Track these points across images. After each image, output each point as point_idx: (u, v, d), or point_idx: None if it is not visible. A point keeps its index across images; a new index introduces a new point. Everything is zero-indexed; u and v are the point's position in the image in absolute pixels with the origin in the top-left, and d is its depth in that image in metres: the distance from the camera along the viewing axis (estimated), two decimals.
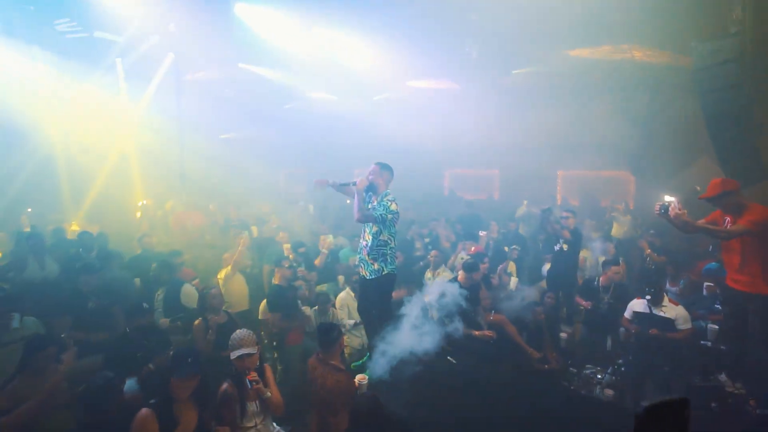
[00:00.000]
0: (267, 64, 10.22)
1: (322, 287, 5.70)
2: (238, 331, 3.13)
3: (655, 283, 4.59)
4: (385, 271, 3.83)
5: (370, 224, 3.80)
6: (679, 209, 3.49)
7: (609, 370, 4.48)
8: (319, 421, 3.28)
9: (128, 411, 2.53)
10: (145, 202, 9.46)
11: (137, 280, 5.28)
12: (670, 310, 4.42)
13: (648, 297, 4.46)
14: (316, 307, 5.15)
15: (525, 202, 9.36)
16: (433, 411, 3.53)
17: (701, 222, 3.71)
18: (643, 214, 8.49)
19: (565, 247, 5.90)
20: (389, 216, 3.75)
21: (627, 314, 4.72)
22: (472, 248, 6.30)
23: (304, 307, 5.11)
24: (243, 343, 3.01)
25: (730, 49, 5.07)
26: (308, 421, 3.48)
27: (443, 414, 3.47)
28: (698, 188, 8.40)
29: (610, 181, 11.73)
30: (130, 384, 3.10)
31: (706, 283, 5.05)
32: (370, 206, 3.85)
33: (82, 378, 3.19)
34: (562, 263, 5.99)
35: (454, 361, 4.37)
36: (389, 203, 3.77)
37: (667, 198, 3.61)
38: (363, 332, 4.86)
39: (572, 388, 4.38)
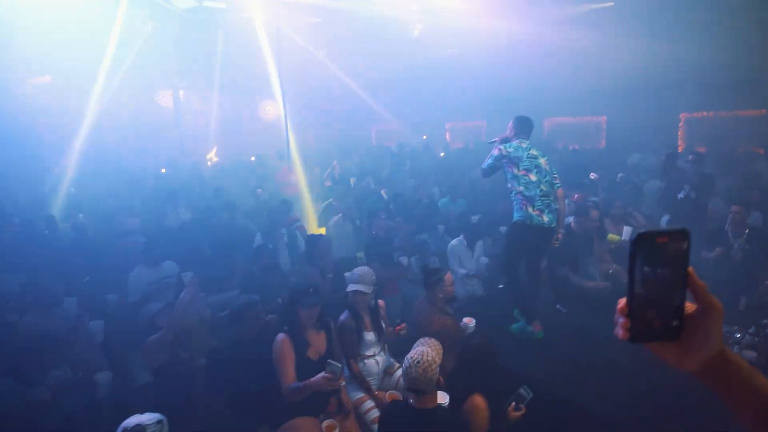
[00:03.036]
0: None
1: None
2: (361, 267, 3.29)
3: None
4: (514, 219, 3.74)
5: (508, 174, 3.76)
6: None
7: (751, 330, 3.96)
8: None
9: (270, 332, 2.90)
10: (253, 158, 10.32)
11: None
12: None
13: None
14: (416, 255, 5.25)
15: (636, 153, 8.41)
16: (539, 360, 3.48)
17: None
18: None
19: (692, 194, 5.20)
20: (495, 162, 3.76)
21: None
22: (575, 196, 5.84)
23: (401, 258, 5.24)
24: (361, 279, 3.17)
25: None
26: None
27: (550, 363, 3.40)
28: None
29: (748, 122, 9.87)
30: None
31: None
32: None
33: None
34: (686, 213, 5.30)
35: (563, 310, 4.22)
36: (501, 145, 3.73)
37: None
38: (474, 284, 4.88)
39: None
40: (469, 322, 3.36)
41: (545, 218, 3.61)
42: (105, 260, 4.80)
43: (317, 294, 2.93)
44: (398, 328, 3.19)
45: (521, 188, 3.63)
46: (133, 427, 2.00)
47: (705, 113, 10.50)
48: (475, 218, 5.40)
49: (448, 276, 3.43)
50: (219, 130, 13.49)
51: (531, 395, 2.67)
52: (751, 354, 3.80)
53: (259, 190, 7.36)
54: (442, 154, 10.55)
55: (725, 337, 3.98)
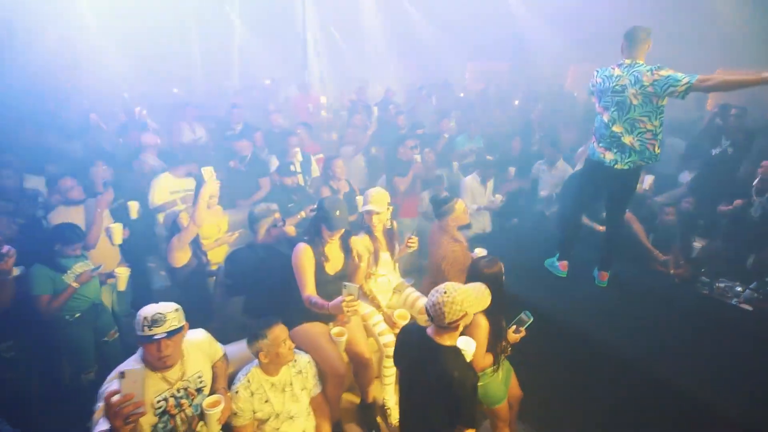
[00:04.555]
0: None
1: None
2: (374, 188, 3.31)
3: None
4: (590, 154, 3.36)
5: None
6: None
7: (752, 285, 4.04)
8: (431, 284, 3.48)
9: (287, 241, 2.99)
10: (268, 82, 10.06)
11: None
12: None
13: None
14: (431, 188, 5.27)
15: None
16: (548, 292, 3.57)
17: None
18: None
19: (730, 150, 5.03)
20: (591, 94, 3.28)
21: None
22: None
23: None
24: (373, 199, 3.20)
25: None
26: (422, 284, 3.68)
27: (558, 301, 3.49)
28: None
29: None
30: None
31: None
32: None
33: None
34: (717, 170, 5.13)
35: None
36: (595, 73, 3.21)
37: None
38: (485, 219, 4.93)
39: (703, 293, 4.08)
40: (480, 252, 3.43)
41: (608, 156, 3.16)
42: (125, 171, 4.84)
43: (342, 219, 2.85)
44: (408, 240, 3.20)
45: (596, 125, 3.24)
46: (153, 314, 2.04)
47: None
48: (490, 158, 5.32)
49: (460, 203, 3.44)
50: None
51: (532, 319, 2.78)
52: (747, 308, 3.91)
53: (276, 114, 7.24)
54: (461, 94, 10.19)
55: (724, 290, 4.07)
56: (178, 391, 2.19)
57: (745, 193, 4.68)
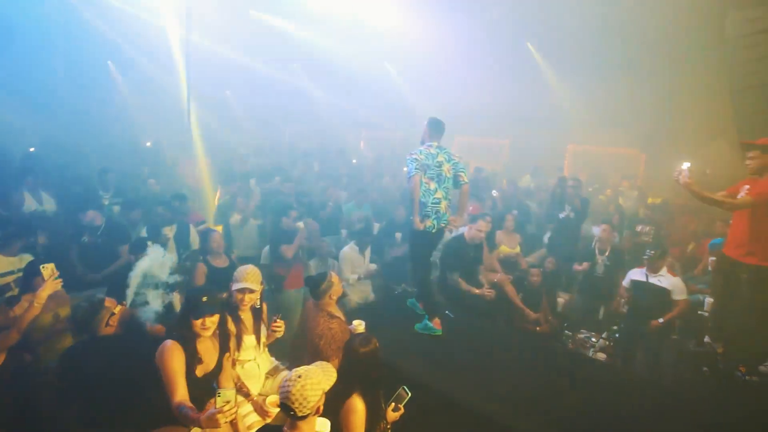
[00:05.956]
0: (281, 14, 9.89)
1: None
2: (246, 265, 3.10)
3: (655, 246, 4.60)
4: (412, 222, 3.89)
5: None
6: (687, 178, 3.47)
7: (603, 335, 4.55)
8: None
9: (153, 342, 2.55)
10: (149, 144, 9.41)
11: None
12: (667, 279, 4.46)
13: (646, 263, 4.49)
14: (316, 258, 5.19)
15: (528, 174, 9.36)
16: (427, 362, 3.60)
17: (709, 194, 3.63)
18: (651, 192, 8.41)
19: (571, 215, 5.87)
20: (415, 169, 3.79)
21: (625, 282, 4.76)
22: (471, 207, 6.24)
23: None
24: (246, 277, 2.99)
25: (766, 18, 4.86)
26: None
27: (436, 365, 3.54)
28: (708, 172, 8.31)
29: (619, 158, 11.53)
30: (147, 315, 3.14)
31: (710, 258, 5.04)
32: None
33: None
34: (564, 231, 5.98)
35: (451, 315, 4.44)
36: (413, 152, 3.83)
37: (685, 165, 3.56)
38: (366, 288, 4.95)
39: (567, 347, 4.46)
40: (358, 325, 3.34)
41: (428, 223, 3.80)
42: None
43: (214, 303, 2.58)
44: (273, 324, 3.04)
45: (420, 194, 3.79)
46: None
47: (587, 146, 12.05)
48: (378, 225, 5.48)
49: (335, 276, 3.38)
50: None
51: (410, 394, 2.73)
52: (602, 356, 4.36)
53: (151, 180, 6.74)
54: (354, 161, 10.62)
55: (582, 341, 4.52)
56: None
57: (588, 252, 5.42)
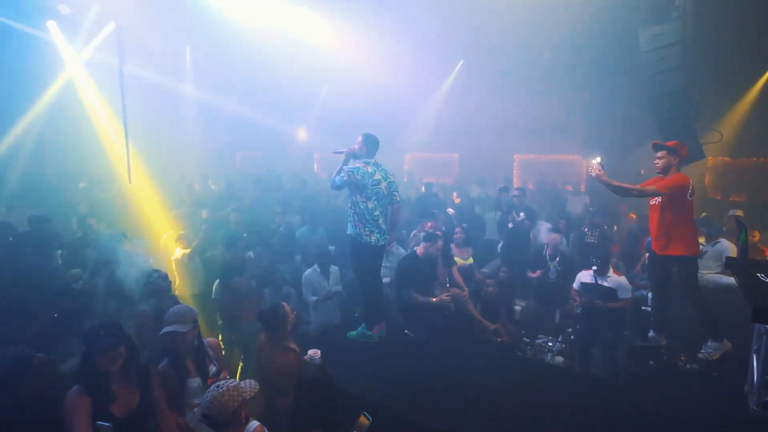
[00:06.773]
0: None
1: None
2: (175, 306, 2.92)
3: (601, 254, 4.82)
4: (348, 231, 4.03)
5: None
6: (598, 170, 3.72)
7: (560, 338, 4.67)
8: (267, 402, 3.14)
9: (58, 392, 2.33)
10: (84, 184, 8.82)
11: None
12: (613, 280, 4.67)
13: (594, 267, 4.69)
14: (270, 287, 5.02)
15: (477, 186, 9.70)
16: (388, 383, 3.53)
17: (618, 182, 3.79)
18: (594, 195, 8.87)
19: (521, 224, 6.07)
20: (344, 185, 3.93)
21: (575, 285, 4.94)
22: (427, 225, 6.31)
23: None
24: (176, 319, 2.80)
25: (672, 33, 5.31)
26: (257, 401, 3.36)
27: (398, 386, 3.48)
28: (643, 172, 8.91)
29: (564, 165, 12.16)
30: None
31: (646, 254, 5.34)
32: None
33: None
34: (515, 240, 6.16)
35: (411, 334, 4.41)
36: (351, 168, 3.90)
37: (595, 160, 3.77)
38: (331, 310, 4.83)
39: (526, 356, 4.52)
40: (314, 354, 3.22)
41: (373, 238, 3.95)
42: None
43: (117, 333, 2.42)
44: (209, 381, 2.77)
45: (359, 211, 3.93)
46: None
47: (532, 155, 12.63)
48: (332, 248, 5.40)
49: (286, 307, 3.27)
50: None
51: (371, 420, 2.65)
52: (560, 359, 4.46)
53: (91, 219, 6.31)
54: (308, 183, 10.53)
55: (540, 347, 4.61)
56: None
57: (540, 259, 5.59)
